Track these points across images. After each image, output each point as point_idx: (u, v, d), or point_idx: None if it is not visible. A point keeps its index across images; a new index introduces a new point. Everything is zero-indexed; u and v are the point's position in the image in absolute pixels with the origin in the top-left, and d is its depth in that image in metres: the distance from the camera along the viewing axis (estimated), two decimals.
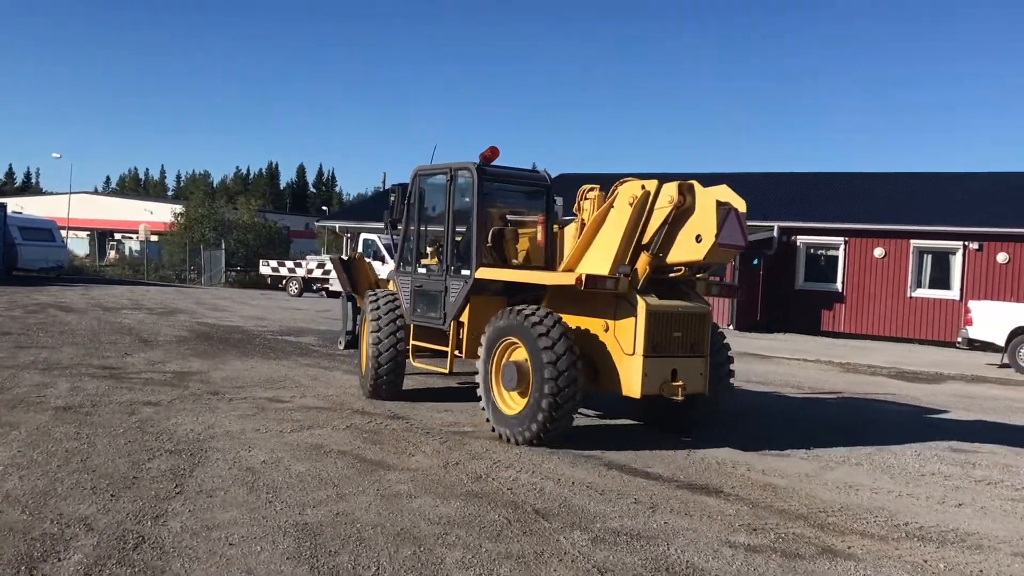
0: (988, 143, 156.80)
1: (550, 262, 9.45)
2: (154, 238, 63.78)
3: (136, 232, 67.08)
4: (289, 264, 31.68)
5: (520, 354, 7.99)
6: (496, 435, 8.06)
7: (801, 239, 24.97)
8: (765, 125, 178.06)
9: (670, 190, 7.73)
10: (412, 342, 9.72)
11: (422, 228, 10.07)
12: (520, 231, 9.95)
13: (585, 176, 33.34)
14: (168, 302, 24.35)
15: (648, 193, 7.93)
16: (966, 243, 22.87)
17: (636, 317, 7.73)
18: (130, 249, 64.08)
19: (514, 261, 9.66)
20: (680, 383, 7.71)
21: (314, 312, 23.08)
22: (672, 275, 7.99)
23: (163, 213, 72.10)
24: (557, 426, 7.66)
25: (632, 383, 7.73)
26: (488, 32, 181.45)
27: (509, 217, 10.06)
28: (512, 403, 8.07)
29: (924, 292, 23.48)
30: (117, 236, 68.31)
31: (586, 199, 8.71)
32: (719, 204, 7.50)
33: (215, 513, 5.42)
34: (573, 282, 7.79)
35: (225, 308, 23.03)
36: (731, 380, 8.72)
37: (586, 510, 5.84)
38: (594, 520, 5.63)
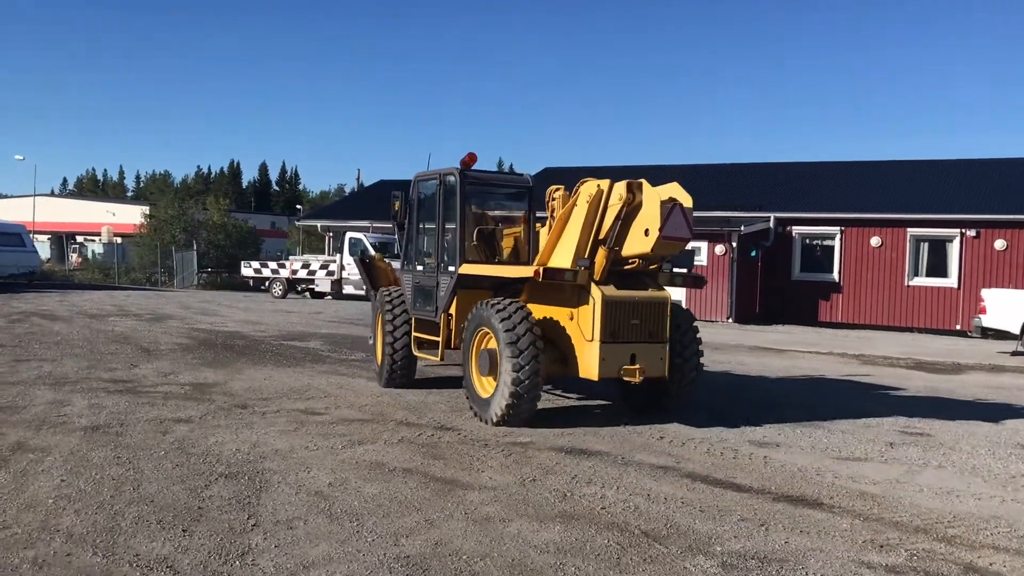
0: (984, 129, 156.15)
1: (532, 258, 9.85)
2: (118, 240, 62.36)
3: (99, 235, 65.44)
4: (272, 265, 30.96)
5: (491, 342, 8.70)
6: (475, 416, 8.82)
7: (797, 229, 24.83)
8: (758, 114, 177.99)
9: (620, 188, 8.39)
10: (414, 333, 10.45)
11: (422, 228, 10.73)
12: (506, 230, 10.67)
13: (568, 170, 33.00)
14: (153, 307, 23.61)
15: (602, 192, 8.55)
16: (963, 230, 22.85)
17: (593, 306, 8.40)
18: (93, 252, 62.55)
19: (500, 258, 10.36)
20: (638, 367, 8.33)
21: (307, 315, 22.49)
22: (627, 267, 8.66)
23: (126, 214, 70.55)
24: (521, 407, 8.35)
25: (591, 367, 8.42)
26: (456, 24, 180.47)
27: (497, 216, 10.88)
28: (487, 387, 8.81)
29: (922, 280, 23.44)
30: (79, 239, 66.50)
31: (553, 199, 9.67)
32: (663, 201, 8.08)
33: (304, 548, 4.95)
34: (532, 275, 8.65)
35: (215, 312, 22.35)
36: (700, 365, 9.19)
37: (696, 531, 5.45)
38: (711, 542, 5.23)
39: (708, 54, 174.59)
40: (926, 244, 23.44)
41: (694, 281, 9.70)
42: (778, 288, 24.77)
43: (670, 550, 5.07)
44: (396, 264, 11.88)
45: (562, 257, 8.78)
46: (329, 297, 29.80)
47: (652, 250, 8.22)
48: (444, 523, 5.46)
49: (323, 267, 29.22)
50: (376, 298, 11.41)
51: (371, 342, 11.80)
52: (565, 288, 8.73)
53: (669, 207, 8.10)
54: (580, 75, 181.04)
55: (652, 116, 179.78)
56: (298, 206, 71.81)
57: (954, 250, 23.01)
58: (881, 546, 5.25)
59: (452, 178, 9.82)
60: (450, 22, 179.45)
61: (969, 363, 15.98)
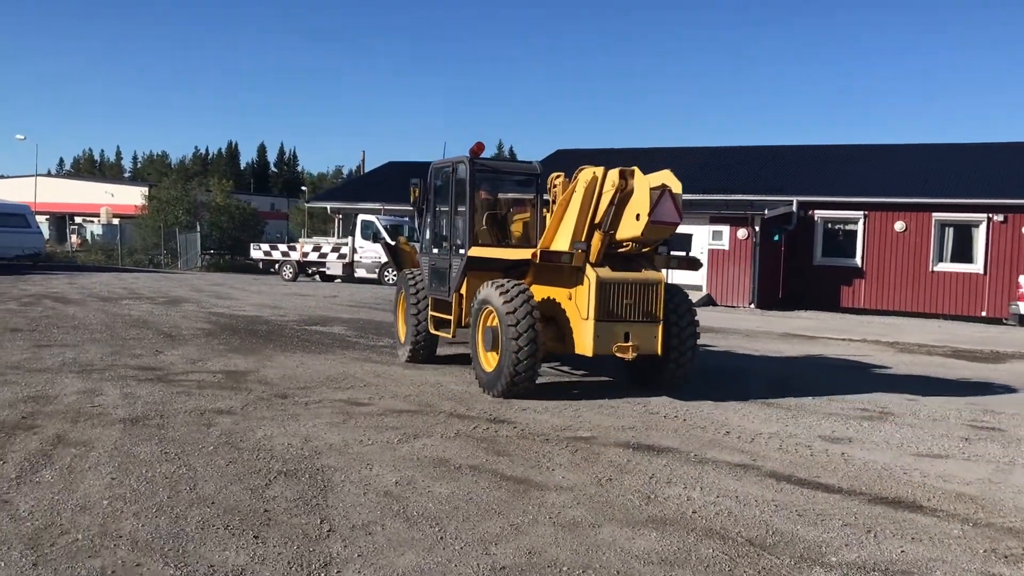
0: (1012, 112, 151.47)
1: (539, 241, 10.09)
2: (116, 221, 61.74)
3: (97, 215, 64.74)
4: (282, 248, 30.48)
5: (495, 320, 9.20)
6: (481, 389, 9.34)
7: (819, 213, 24.42)
8: (780, 96, 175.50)
9: (613, 176, 8.80)
10: (431, 312, 10.99)
11: (438, 214, 11.23)
12: (516, 215, 11.17)
13: (582, 152, 32.54)
14: (165, 290, 23.19)
15: (597, 179, 8.98)
16: (990, 215, 22.45)
17: (587, 286, 8.88)
18: (92, 233, 61.93)
19: (510, 242, 10.87)
20: (631, 344, 8.77)
21: (323, 299, 22.08)
22: (622, 250, 9.03)
23: (125, 195, 69.87)
24: (520, 379, 8.88)
25: (586, 344, 8.91)
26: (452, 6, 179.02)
27: (509, 201, 11.38)
28: (491, 361, 9.29)
29: (947, 266, 23.06)
30: (78, 220, 65.78)
31: (555, 186, 10.24)
32: (652, 187, 8.46)
33: (390, 557, 4.58)
34: (531, 257, 9.20)
35: (228, 296, 21.94)
36: (695, 343, 9.55)
37: (802, 538, 5.08)
38: (823, 551, 4.87)
39: (727, 32, 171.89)
40: (951, 229, 23.05)
41: (688, 264, 10.03)
42: (799, 273, 24.39)
43: (782, 560, 4.70)
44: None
45: (562, 240, 9.28)
46: (338, 280, 29.38)
47: (642, 234, 8.63)
48: (531, 528, 5.09)
49: (334, 250, 28.78)
50: (397, 280, 12.05)
51: (394, 327, 12.31)
52: (564, 270, 9.22)
53: (658, 193, 8.48)
54: (595, 54, 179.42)
55: (671, 97, 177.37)
56: (303, 188, 71.03)
57: (980, 235, 22.63)
58: (1005, 556, 4.89)
59: (462, 166, 10.34)
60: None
61: (1008, 351, 15.62)
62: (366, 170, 45.70)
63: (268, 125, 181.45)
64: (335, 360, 11.45)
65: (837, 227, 24.43)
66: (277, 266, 30.43)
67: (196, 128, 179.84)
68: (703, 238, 23.70)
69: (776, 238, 23.54)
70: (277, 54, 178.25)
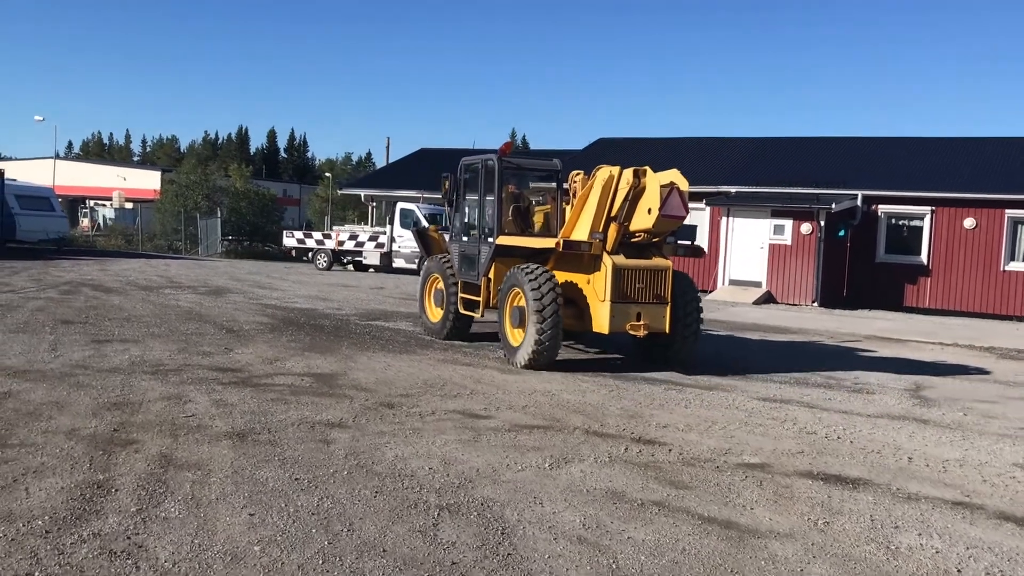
0: None
1: (559, 231, 11.18)
2: (129, 205, 60.88)
3: (110, 199, 63.81)
4: (317, 236, 29.53)
5: (522, 300, 10.26)
6: (507, 361, 10.46)
7: (882, 208, 23.42)
8: (846, 87, 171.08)
9: (627, 174, 9.88)
10: (460, 294, 12.05)
11: (467, 205, 12.36)
12: (539, 208, 12.35)
13: (624, 140, 31.54)
14: (202, 278, 22.31)
15: (613, 177, 10.08)
16: None
17: (604, 272, 9.96)
18: (104, 217, 61.04)
19: (535, 231, 11.93)
20: (642, 323, 9.89)
21: (369, 290, 21.18)
22: (635, 240, 10.16)
23: (137, 179, 68.97)
24: (544, 353, 9.96)
25: (602, 322, 10.00)
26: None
27: (533, 197, 12.54)
28: (517, 337, 10.39)
29: (1019, 265, 22.05)
30: (90, 203, 64.83)
31: (575, 182, 11.25)
32: (663, 185, 9.49)
33: None
34: (555, 246, 10.32)
35: (270, 286, 21.05)
36: (699, 323, 10.65)
37: None
38: None
39: (796, 24, 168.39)
40: None
41: (693, 251, 11.20)
42: (862, 270, 23.40)
43: None
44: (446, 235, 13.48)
45: (581, 231, 10.36)
46: (372, 270, 28.45)
47: (653, 226, 9.68)
48: None
49: (372, 239, 27.84)
50: (426, 264, 13.06)
51: (419, 308, 13.24)
52: (583, 257, 10.32)
53: (667, 190, 9.47)
54: (647, 42, 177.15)
55: (731, 87, 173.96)
56: (327, 174, 70.08)
57: None
58: None
59: (491, 162, 11.40)
60: None
61: None
62: (390, 157, 44.69)
63: (278, 110, 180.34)
64: (421, 361, 10.55)
65: (902, 223, 23.43)
66: (311, 255, 29.48)
67: (206, 112, 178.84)
68: (763, 232, 22.73)
69: (841, 233, 22.55)
70: (288, 38, 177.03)
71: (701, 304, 10.65)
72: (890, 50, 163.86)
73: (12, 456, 5.84)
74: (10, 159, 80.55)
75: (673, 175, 9.66)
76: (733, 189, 24.12)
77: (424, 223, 24.85)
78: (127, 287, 18.67)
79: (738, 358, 12.14)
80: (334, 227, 34.28)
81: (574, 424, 7.56)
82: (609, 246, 10.03)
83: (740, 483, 6.01)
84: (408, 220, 26.66)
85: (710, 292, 23.46)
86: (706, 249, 24.39)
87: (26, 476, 5.44)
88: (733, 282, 23.15)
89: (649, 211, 9.66)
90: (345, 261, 28.85)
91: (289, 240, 30.28)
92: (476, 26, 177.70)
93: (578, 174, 11.30)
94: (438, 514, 5.08)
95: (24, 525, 4.61)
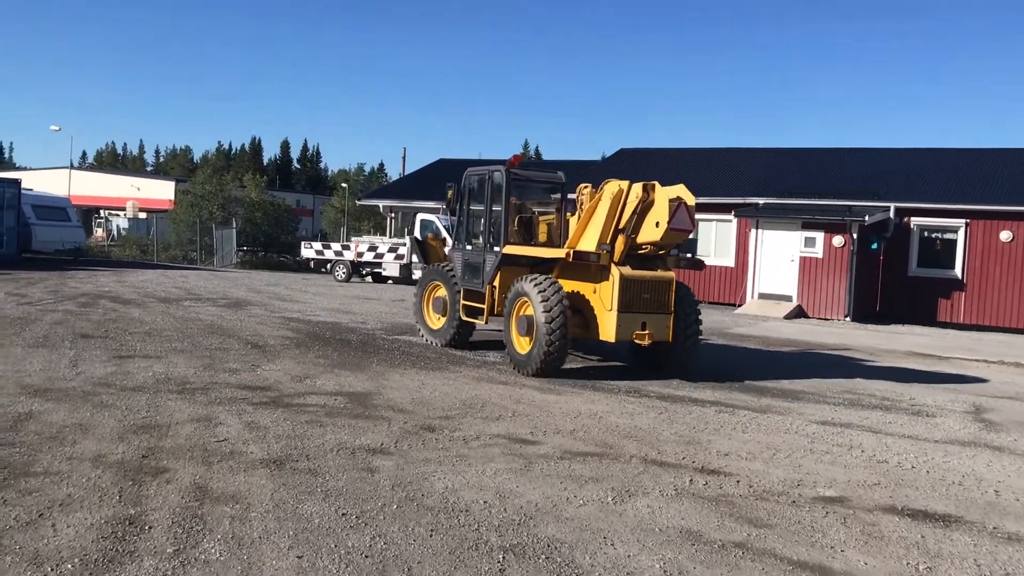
0: None
1: (563, 242, 11.60)
2: (142, 215, 60.78)
3: (123, 209, 63.74)
4: (335, 247, 29.12)
5: (529, 310, 10.51)
6: (514, 368, 10.68)
7: (915, 220, 22.86)
8: (876, 98, 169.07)
9: (637, 189, 10.23)
10: (463, 302, 12.18)
11: (471, 215, 12.61)
12: (543, 218, 12.39)
13: (645, 151, 31.08)
14: (221, 290, 21.93)
15: (622, 191, 10.39)
16: None
17: (612, 282, 10.25)
18: (117, 227, 60.94)
19: (538, 241, 12.08)
20: (647, 332, 10.22)
21: (391, 303, 20.74)
22: (641, 252, 10.52)
23: (151, 189, 68.95)
24: (552, 361, 10.20)
25: (609, 331, 10.29)
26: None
27: (536, 208, 12.55)
28: (524, 345, 10.59)
29: None
30: (104, 213, 64.76)
31: (582, 195, 11.50)
32: (671, 199, 9.94)
33: None
34: (564, 256, 10.57)
35: (290, 298, 20.64)
36: (699, 334, 10.97)
37: None
38: None
39: (829, 35, 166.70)
40: None
41: (693, 264, 11.58)
42: (894, 284, 22.85)
43: None
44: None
45: (588, 242, 10.68)
46: (390, 282, 28.04)
47: (661, 239, 10.11)
48: None
49: (391, 250, 27.43)
50: (425, 272, 13.25)
51: (415, 314, 13.44)
52: (590, 267, 10.58)
53: (676, 205, 9.92)
54: (667, 51, 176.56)
55: (761, 99, 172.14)
56: (343, 184, 69.93)
57: None
58: None
59: (499, 174, 11.73)
60: None
61: None
62: (406, 168, 44.39)
63: (291, 121, 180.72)
64: (455, 379, 10.11)
65: (935, 235, 22.87)
66: (329, 266, 29.09)
67: (219, 123, 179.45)
68: (793, 245, 22.21)
69: (874, 246, 22.00)
70: (301, 49, 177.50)
71: (701, 317, 11.03)
72: (927, 60, 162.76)
73: (36, 486, 5.42)
74: (25, 169, 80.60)
75: (680, 190, 10.09)
76: (761, 201, 23.62)
77: (444, 234, 24.46)
78: (146, 299, 18.30)
79: (784, 376, 11.65)
80: (352, 238, 33.85)
81: (629, 451, 7.10)
82: (616, 257, 10.36)
83: (822, 520, 5.53)
84: (428, 231, 26.23)
85: (739, 306, 22.94)
86: (734, 262, 23.91)
87: (52, 510, 5.02)
88: (763, 296, 22.63)
89: (657, 224, 10.05)
90: (364, 273, 28.44)
91: (307, 251, 29.91)
92: (490, 36, 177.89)
93: (586, 187, 11.53)
94: (503, 557, 4.62)
95: (53, 570, 4.18)
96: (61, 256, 31.79)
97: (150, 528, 4.79)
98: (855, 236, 21.38)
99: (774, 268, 22.46)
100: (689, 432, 7.92)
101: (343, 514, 5.18)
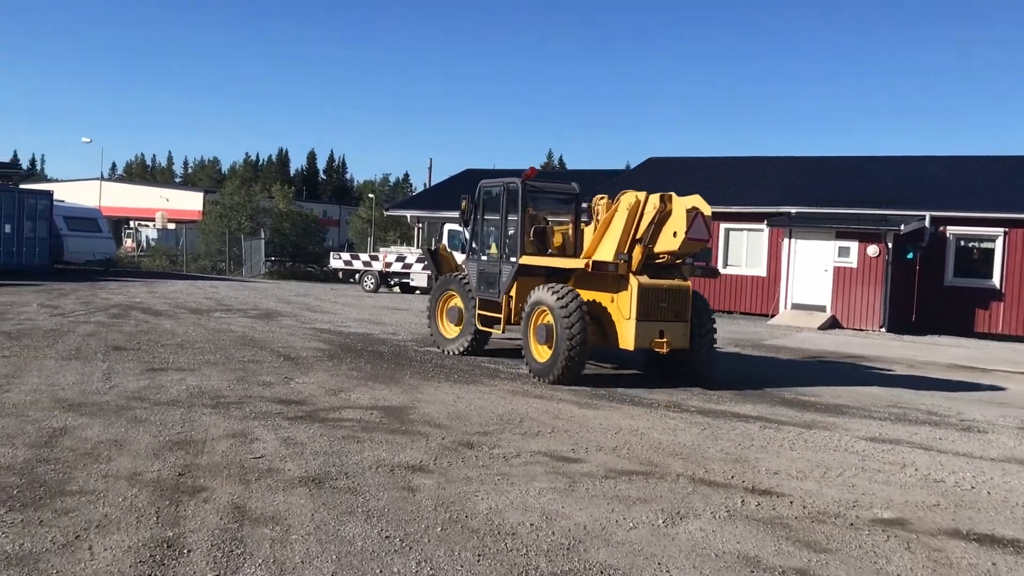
0: None
1: (578, 252, 11.93)
2: (171, 226, 61.25)
3: (152, 220, 64.27)
4: (364, 257, 29.09)
5: (548, 319, 10.69)
6: (532, 375, 10.86)
7: (951, 229, 22.43)
8: (913, 104, 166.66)
9: (654, 199, 10.46)
10: (478, 311, 12.33)
11: (486, 226, 12.77)
12: (556, 228, 12.54)
13: (674, 160, 30.82)
14: (251, 301, 21.92)
15: (639, 202, 10.62)
16: None
17: (630, 291, 10.42)
18: (146, 238, 61.44)
19: (552, 251, 12.19)
20: (665, 340, 10.41)
21: (419, 313, 20.54)
22: (657, 261, 10.72)
23: (180, 200, 69.46)
24: (572, 369, 10.38)
25: (628, 339, 10.46)
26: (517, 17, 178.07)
27: (549, 218, 12.66)
28: (543, 353, 10.76)
29: None
30: (132, 224, 65.34)
31: (599, 205, 11.57)
32: (688, 209, 10.18)
33: None
34: (583, 266, 10.73)
35: (320, 308, 20.58)
36: (714, 342, 11.17)
37: None
38: None
39: (865, 41, 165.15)
40: None
41: (708, 272, 11.61)
42: (929, 294, 22.43)
43: None
44: (456, 253, 14.32)
45: (605, 252, 10.83)
46: (418, 292, 27.92)
47: (679, 248, 10.33)
48: None
49: (420, 260, 27.32)
50: (439, 282, 13.41)
51: (429, 324, 13.53)
52: (607, 276, 10.74)
53: (693, 215, 10.16)
54: (694, 61, 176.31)
55: (798, 107, 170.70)
56: (370, 195, 70.22)
57: None
58: None
59: (514, 186, 11.98)
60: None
61: None
62: (432, 179, 44.36)
63: (318, 132, 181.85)
64: (490, 393, 9.94)
65: (972, 244, 22.43)
66: (357, 276, 29.04)
67: (246, 134, 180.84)
68: (827, 254, 21.86)
69: (910, 256, 21.61)
70: (327, 61, 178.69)
71: (716, 325, 11.23)
72: (960, 67, 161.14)
73: (72, 506, 5.30)
74: (56, 181, 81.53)
75: (695, 200, 10.37)
76: (794, 210, 23.29)
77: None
78: (177, 310, 18.29)
79: (825, 389, 11.37)
80: (380, 248, 33.82)
81: (675, 470, 6.88)
82: (634, 267, 10.55)
83: (884, 545, 5.29)
84: (456, 241, 26.09)
85: (772, 316, 22.61)
86: (766, 272, 23.59)
87: (89, 531, 4.89)
88: (796, 306, 22.29)
89: (675, 234, 10.26)
90: (392, 283, 28.37)
91: (336, 261, 29.91)
92: (516, 47, 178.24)
93: (602, 198, 11.61)
94: None
95: None
96: (92, 267, 32.02)
97: (189, 552, 4.64)
98: (890, 245, 20.99)
99: (807, 278, 22.12)
100: (735, 449, 7.69)
101: (386, 536, 5.02)
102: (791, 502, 6.12)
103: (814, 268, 22.02)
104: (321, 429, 7.67)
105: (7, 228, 27.19)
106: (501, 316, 11.95)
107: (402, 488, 6.00)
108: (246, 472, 6.21)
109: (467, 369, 11.68)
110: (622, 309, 10.53)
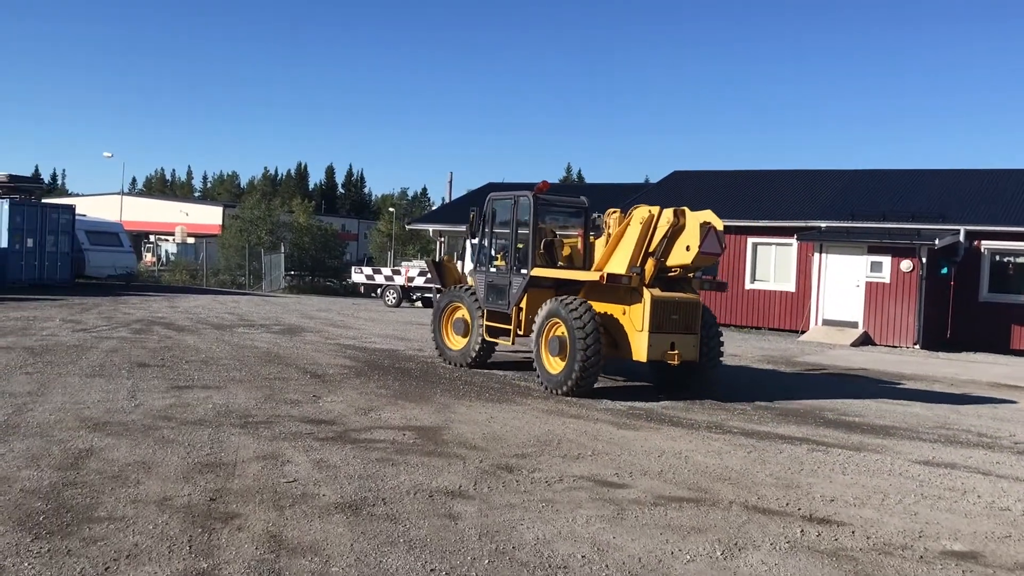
0: None
1: (587, 264, 12.15)
2: (191, 240, 61.40)
3: (172, 234, 64.48)
4: (386, 271, 28.90)
5: (561, 331, 10.76)
6: (544, 388, 10.91)
7: (986, 244, 21.97)
8: (944, 116, 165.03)
9: (668, 214, 10.60)
10: (485, 323, 12.43)
11: (494, 238, 12.94)
12: (566, 241, 12.76)
13: (698, 173, 30.50)
14: (273, 316, 21.74)
15: (653, 216, 10.75)
16: None
17: (644, 304, 10.53)
18: (166, 252, 61.62)
19: (560, 263, 12.38)
20: (676, 352, 10.54)
21: None
22: (669, 275, 10.86)
23: (199, 214, 69.71)
24: (586, 382, 10.48)
25: (641, 351, 10.58)
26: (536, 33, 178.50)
27: (557, 231, 12.83)
28: (556, 365, 10.84)
29: None
30: (152, 238, 65.58)
31: (611, 219, 11.67)
32: (701, 224, 10.32)
33: None
34: (598, 279, 10.81)
35: (343, 324, 20.37)
36: (720, 354, 11.35)
37: None
38: None
39: (893, 54, 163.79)
40: None
41: (716, 286, 11.73)
42: (963, 310, 21.96)
43: None
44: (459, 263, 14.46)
45: (616, 265, 10.99)
46: None
47: (692, 262, 10.51)
48: None
49: (422, 274, 27.09)
50: (444, 294, 13.41)
51: (433, 335, 13.45)
52: (619, 289, 10.86)
53: (706, 229, 10.32)
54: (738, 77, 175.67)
55: (828, 118, 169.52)
56: (390, 208, 70.25)
57: None
58: None
59: (526, 200, 12.06)
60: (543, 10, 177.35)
61: None
62: (453, 193, 44.19)
63: (336, 146, 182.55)
64: (524, 413, 9.64)
65: (1007, 259, 21.95)
66: (379, 291, 28.84)
67: (265, 149, 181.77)
68: (859, 269, 21.45)
69: (944, 271, 21.16)
70: (344, 76, 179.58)
71: (722, 337, 11.45)
72: (994, 78, 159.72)
73: (101, 534, 5.05)
74: (77, 195, 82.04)
75: (707, 215, 10.48)
76: (824, 224, 22.91)
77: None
78: (199, 325, 18.12)
79: (868, 408, 11.01)
80: (402, 263, 33.62)
81: (727, 497, 6.56)
82: (647, 280, 10.69)
83: None
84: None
85: (802, 333, 22.20)
86: (795, 287, 23.19)
87: (119, 562, 4.64)
88: (827, 322, 21.87)
89: (688, 248, 10.43)
90: (414, 298, 28.14)
91: (357, 276, 29.73)
92: (535, 62, 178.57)
93: (614, 211, 11.71)
94: None
95: None
96: (113, 281, 32.00)
97: None
98: (924, 260, 20.57)
99: (838, 294, 21.71)
100: (785, 474, 7.36)
101: (431, 570, 4.74)
102: (853, 532, 5.80)
103: (846, 283, 21.61)
104: (354, 451, 7.40)
105: (29, 242, 27.18)
106: (510, 327, 12.05)
107: (443, 516, 5.71)
108: (279, 497, 5.95)
109: (497, 387, 11.39)
110: (635, 321, 10.66)
